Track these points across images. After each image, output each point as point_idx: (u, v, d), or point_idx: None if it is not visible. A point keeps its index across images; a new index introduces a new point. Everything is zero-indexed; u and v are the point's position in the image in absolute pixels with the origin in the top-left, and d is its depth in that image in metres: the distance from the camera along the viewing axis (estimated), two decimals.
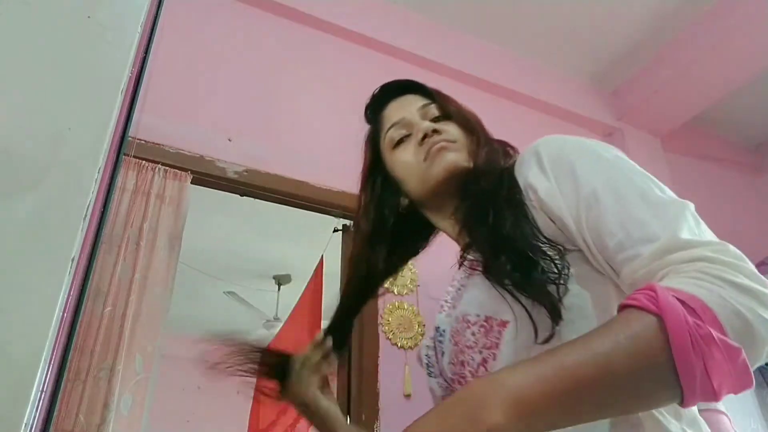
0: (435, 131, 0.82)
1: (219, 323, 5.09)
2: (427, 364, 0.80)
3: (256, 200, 2.07)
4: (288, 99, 2.26)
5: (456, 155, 0.80)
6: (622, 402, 0.49)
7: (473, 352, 0.68)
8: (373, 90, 0.96)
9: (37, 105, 0.74)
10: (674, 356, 0.47)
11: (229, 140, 2.04)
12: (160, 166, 1.83)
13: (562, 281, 0.62)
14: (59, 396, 0.84)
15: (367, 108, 0.95)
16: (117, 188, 1.59)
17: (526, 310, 0.62)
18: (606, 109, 3.19)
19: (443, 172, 0.80)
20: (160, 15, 1.06)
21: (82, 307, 0.88)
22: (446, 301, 0.79)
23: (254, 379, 0.88)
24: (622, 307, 0.52)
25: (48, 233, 0.67)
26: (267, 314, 4.54)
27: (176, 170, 1.86)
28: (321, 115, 2.28)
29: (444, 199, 0.84)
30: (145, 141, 1.84)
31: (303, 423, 2.43)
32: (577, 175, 0.66)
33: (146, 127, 1.82)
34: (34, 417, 0.62)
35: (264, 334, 4.43)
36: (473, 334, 0.68)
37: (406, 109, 0.87)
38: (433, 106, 0.87)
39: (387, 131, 0.88)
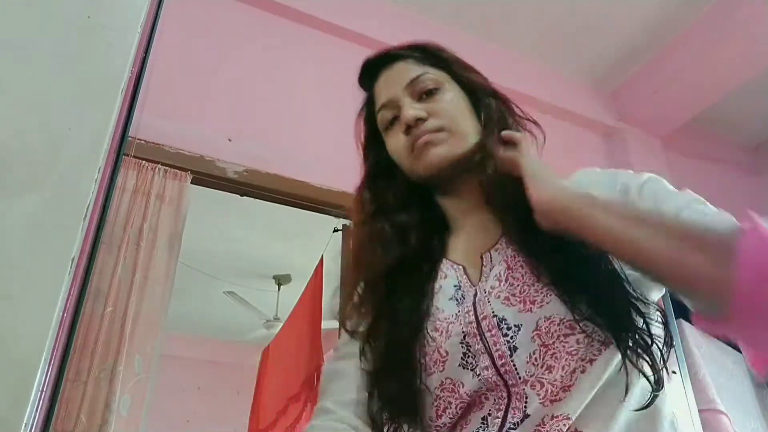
0: (419, 120, 0.75)
1: (219, 323, 5.09)
2: (464, 353, 0.67)
3: (256, 200, 2.07)
4: (288, 99, 2.26)
5: (444, 149, 0.74)
6: (665, 255, 0.52)
7: (572, 359, 0.62)
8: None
9: (37, 105, 0.74)
10: (743, 246, 0.46)
11: (229, 140, 2.04)
12: (160, 166, 1.83)
13: (667, 341, 0.62)
14: (59, 396, 0.84)
15: (360, 76, 0.89)
16: (117, 188, 1.58)
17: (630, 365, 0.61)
18: (606, 110, 3.19)
19: (431, 169, 0.75)
20: (160, 15, 1.06)
21: (82, 307, 0.88)
22: (493, 288, 0.69)
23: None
24: None
25: (48, 233, 0.67)
26: (267, 314, 4.54)
27: (176, 170, 1.86)
28: (321, 115, 2.28)
29: (453, 183, 0.79)
30: (145, 141, 1.84)
31: (302, 423, 2.43)
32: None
33: (146, 127, 1.82)
34: (34, 417, 0.62)
35: (264, 334, 4.43)
36: (578, 342, 0.62)
37: (393, 87, 0.80)
38: (425, 77, 0.78)
39: (378, 111, 0.82)
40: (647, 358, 0.61)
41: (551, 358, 0.63)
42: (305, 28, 2.48)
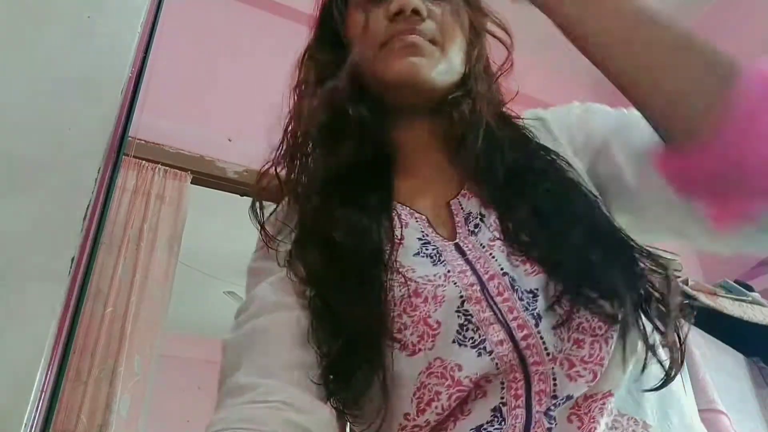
0: (416, 15, 0.59)
1: (219, 323, 5.09)
2: (461, 325, 0.49)
3: None
4: (287, 99, 2.26)
5: (427, 64, 0.59)
6: (668, 65, 0.48)
7: (598, 328, 0.48)
8: None
9: (37, 105, 0.74)
10: (745, 73, 0.45)
11: (229, 140, 2.04)
12: (160, 166, 1.83)
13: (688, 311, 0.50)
14: (59, 396, 0.84)
15: None
16: (117, 188, 1.59)
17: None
18: None
19: (401, 78, 0.59)
20: (160, 15, 1.06)
21: (82, 307, 0.89)
22: (492, 241, 0.54)
23: None
24: None
25: (48, 233, 0.67)
26: None
27: (176, 170, 1.86)
28: None
29: (414, 112, 0.64)
30: (145, 141, 1.84)
31: None
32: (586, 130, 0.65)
33: (146, 127, 1.82)
34: (34, 417, 0.62)
35: None
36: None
37: None
38: None
39: None
40: (661, 328, 0.48)
41: (577, 329, 0.48)
42: (305, 29, 2.47)
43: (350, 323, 0.51)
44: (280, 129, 0.71)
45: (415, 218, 0.58)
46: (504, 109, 0.69)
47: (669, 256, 0.68)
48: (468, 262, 0.53)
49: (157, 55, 1.11)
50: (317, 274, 0.54)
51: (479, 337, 0.48)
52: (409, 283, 0.51)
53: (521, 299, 0.49)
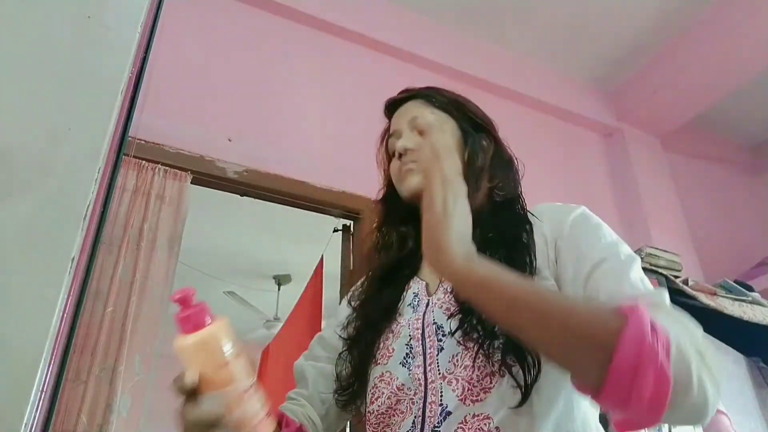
0: (406, 150, 0.88)
1: None
2: (406, 354, 0.79)
3: (256, 200, 2.07)
4: (288, 99, 2.26)
5: (416, 179, 0.85)
6: (549, 341, 0.57)
7: (488, 363, 0.71)
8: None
9: (37, 105, 0.74)
10: (621, 343, 0.51)
11: (229, 140, 2.04)
12: (160, 166, 1.83)
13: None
14: (59, 396, 0.84)
15: (385, 108, 1.02)
16: (117, 188, 1.59)
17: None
18: (606, 110, 3.19)
19: (407, 192, 0.87)
20: (160, 15, 1.06)
21: (82, 307, 0.88)
22: (439, 299, 0.82)
23: None
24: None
25: (48, 233, 0.67)
26: (267, 314, 4.54)
27: (176, 170, 1.86)
28: (321, 116, 2.28)
29: None
30: (145, 141, 1.84)
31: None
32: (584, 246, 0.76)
33: (146, 127, 1.82)
34: (34, 417, 0.62)
35: (264, 334, 4.43)
36: (495, 347, 0.71)
37: (401, 120, 0.93)
38: (422, 118, 0.91)
39: (389, 138, 0.96)
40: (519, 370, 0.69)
41: (470, 359, 0.71)
42: (305, 29, 2.48)
43: (358, 358, 0.85)
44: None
45: (418, 283, 0.87)
46: (502, 195, 0.87)
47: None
48: (423, 313, 0.81)
49: (157, 55, 1.11)
50: (354, 335, 0.88)
51: (412, 362, 0.77)
52: (396, 321, 0.84)
53: (440, 340, 0.76)
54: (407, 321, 0.82)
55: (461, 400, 0.70)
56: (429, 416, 0.71)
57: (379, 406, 0.78)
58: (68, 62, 0.77)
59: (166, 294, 1.70)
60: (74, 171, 0.71)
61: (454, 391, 0.71)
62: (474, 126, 0.92)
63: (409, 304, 0.85)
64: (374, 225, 0.99)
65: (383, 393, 0.78)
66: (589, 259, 0.71)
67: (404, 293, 0.87)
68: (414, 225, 0.90)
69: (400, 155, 0.89)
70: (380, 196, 0.99)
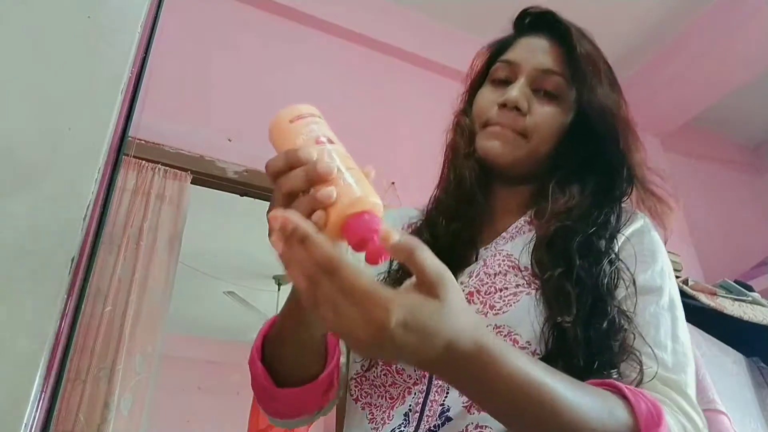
0: (516, 108, 0.73)
1: (219, 323, 5.09)
2: None
3: (256, 200, 2.07)
4: (288, 99, 2.25)
5: (505, 149, 0.74)
6: None
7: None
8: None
9: (38, 105, 0.74)
10: None
11: (229, 140, 2.04)
12: (160, 166, 1.83)
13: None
14: (59, 396, 0.84)
15: (517, 19, 0.86)
16: (117, 188, 1.59)
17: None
18: None
19: (484, 155, 0.75)
20: (160, 15, 1.06)
21: (82, 307, 0.88)
22: (461, 283, 0.72)
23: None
24: (624, 394, 0.55)
25: (48, 233, 0.67)
26: (267, 314, 4.54)
27: (176, 170, 1.86)
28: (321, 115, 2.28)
29: (506, 179, 0.79)
30: (145, 141, 1.84)
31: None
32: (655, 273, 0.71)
33: (146, 127, 1.82)
34: (34, 417, 0.62)
35: None
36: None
37: (530, 57, 0.77)
38: (555, 79, 0.76)
39: (499, 60, 0.80)
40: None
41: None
42: (305, 28, 2.48)
43: None
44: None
45: None
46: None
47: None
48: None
49: (157, 55, 1.11)
50: None
51: None
52: None
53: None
54: None
55: (466, 407, 0.62)
56: (427, 415, 0.64)
57: (367, 373, 0.70)
58: (68, 62, 0.77)
59: (166, 294, 1.70)
60: (74, 171, 0.71)
61: (461, 395, 0.62)
62: (596, 114, 0.76)
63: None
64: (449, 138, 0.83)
65: (378, 363, 0.70)
66: (636, 280, 0.67)
67: None
68: (483, 191, 0.78)
69: (503, 105, 0.74)
70: (460, 104, 0.85)
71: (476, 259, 0.75)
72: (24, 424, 0.58)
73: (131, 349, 1.57)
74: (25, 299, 0.64)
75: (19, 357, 0.61)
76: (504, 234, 0.76)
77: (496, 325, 0.65)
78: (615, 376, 0.60)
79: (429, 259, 0.42)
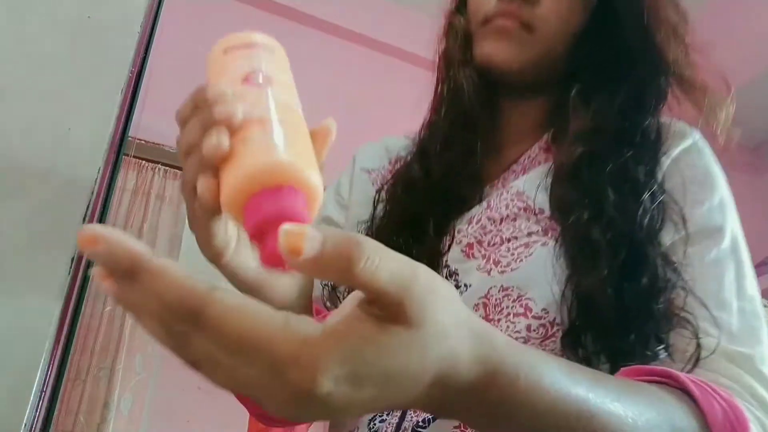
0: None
1: None
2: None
3: None
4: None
5: (512, 51, 0.57)
6: None
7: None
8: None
9: (38, 105, 0.74)
10: None
11: None
12: (160, 166, 1.83)
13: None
14: (59, 396, 0.84)
15: None
16: (117, 188, 1.59)
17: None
18: None
19: (480, 60, 0.59)
20: (160, 15, 1.06)
21: (82, 307, 0.89)
22: (460, 231, 0.57)
23: None
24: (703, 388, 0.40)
25: (48, 233, 0.67)
26: None
27: (176, 170, 1.86)
28: (320, 116, 2.28)
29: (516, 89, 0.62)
30: (145, 141, 1.84)
31: (302, 424, 2.43)
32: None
33: (146, 127, 1.82)
34: (34, 417, 0.62)
35: None
36: (530, 329, 0.50)
37: None
38: None
39: None
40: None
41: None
42: (305, 28, 2.48)
43: None
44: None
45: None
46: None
47: None
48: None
49: (157, 55, 1.11)
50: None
51: None
52: None
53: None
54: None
55: None
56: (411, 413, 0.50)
57: None
58: (68, 62, 0.77)
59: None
60: (74, 171, 0.71)
61: None
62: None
63: None
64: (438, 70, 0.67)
65: None
66: (688, 219, 0.51)
67: None
68: (489, 109, 0.61)
69: None
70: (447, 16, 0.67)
71: (481, 201, 0.58)
72: (24, 424, 0.58)
73: (131, 349, 1.57)
74: (25, 299, 0.64)
75: (19, 357, 0.61)
76: (514, 167, 0.60)
77: (502, 286, 0.51)
78: (663, 356, 0.46)
79: (382, 267, 0.24)
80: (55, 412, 0.85)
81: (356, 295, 0.25)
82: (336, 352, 0.23)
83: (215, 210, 0.32)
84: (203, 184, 0.31)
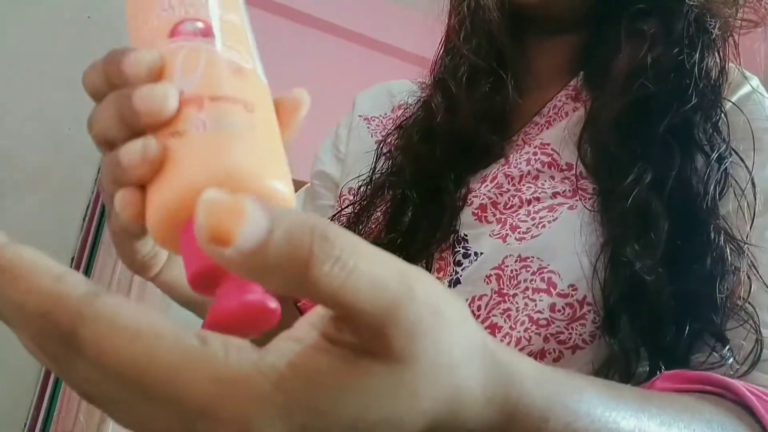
0: None
1: None
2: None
3: None
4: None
5: None
6: None
7: (533, 325, 0.41)
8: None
9: (37, 105, 0.74)
10: None
11: None
12: None
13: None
14: (59, 396, 0.84)
15: None
16: None
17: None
18: None
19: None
20: None
21: None
22: (473, 189, 0.48)
23: None
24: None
25: (48, 233, 0.67)
26: None
27: None
28: (320, 115, 2.28)
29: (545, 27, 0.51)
30: None
31: None
32: None
33: None
34: (34, 417, 0.62)
35: None
36: (554, 308, 0.41)
37: None
38: None
39: None
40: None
41: (502, 315, 0.41)
42: (305, 28, 2.48)
43: None
44: None
45: None
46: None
47: None
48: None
49: None
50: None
51: None
52: None
53: (458, 262, 0.45)
54: None
55: None
56: None
57: None
58: (68, 62, 0.77)
59: (166, 294, 1.70)
60: (74, 171, 0.71)
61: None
62: None
63: None
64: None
65: None
66: (758, 184, 0.42)
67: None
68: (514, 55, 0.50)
69: None
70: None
71: (500, 155, 0.49)
72: (24, 424, 0.58)
73: None
74: None
75: (20, 357, 0.61)
76: (536, 119, 0.50)
77: (520, 256, 0.42)
78: (722, 351, 0.38)
79: (358, 274, 0.16)
80: (55, 412, 0.85)
81: (318, 314, 0.18)
82: (281, 398, 0.15)
83: (139, 231, 0.26)
84: (123, 200, 0.21)
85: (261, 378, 0.15)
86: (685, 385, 0.35)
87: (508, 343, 0.40)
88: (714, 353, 0.38)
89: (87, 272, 0.85)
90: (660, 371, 0.37)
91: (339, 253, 0.15)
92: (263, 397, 0.15)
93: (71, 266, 0.67)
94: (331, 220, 0.50)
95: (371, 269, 0.16)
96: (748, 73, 0.49)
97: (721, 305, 0.38)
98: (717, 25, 0.46)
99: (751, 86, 0.47)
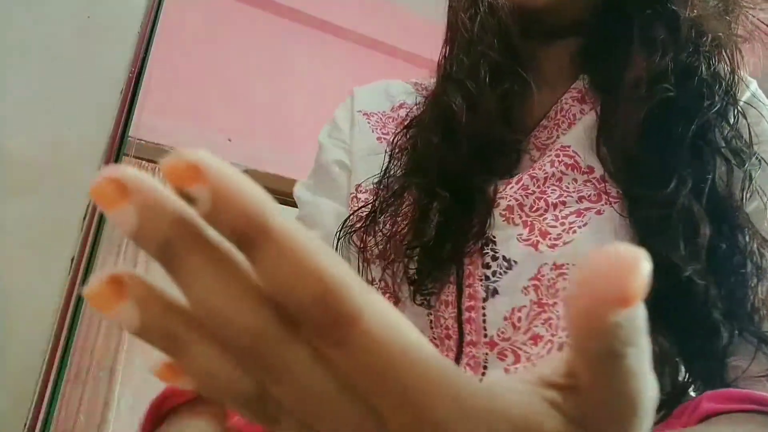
0: None
1: None
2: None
3: None
4: (288, 99, 2.26)
5: None
6: None
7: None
8: None
9: (37, 105, 0.74)
10: None
11: (229, 140, 2.04)
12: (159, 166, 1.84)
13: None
14: (59, 396, 0.84)
15: None
16: None
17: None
18: None
19: (506, 2, 0.48)
20: (160, 15, 1.06)
21: (82, 306, 0.89)
22: (500, 190, 0.48)
23: None
24: None
25: (48, 233, 0.67)
26: None
27: None
28: (321, 116, 2.28)
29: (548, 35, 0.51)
30: (145, 141, 1.85)
31: None
32: None
33: (146, 127, 1.82)
34: (34, 417, 0.62)
35: None
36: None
37: None
38: None
39: None
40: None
41: (543, 324, 0.40)
42: (305, 28, 2.48)
43: None
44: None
45: None
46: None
47: None
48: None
49: (157, 55, 1.12)
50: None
51: (435, 288, 0.44)
52: None
53: (487, 266, 0.43)
54: None
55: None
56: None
57: None
58: (68, 62, 0.77)
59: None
60: (74, 171, 0.71)
61: (506, 370, 0.43)
62: None
63: None
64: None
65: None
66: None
67: None
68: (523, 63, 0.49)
69: None
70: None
71: (518, 159, 0.48)
72: (24, 424, 0.58)
73: (131, 350, 1.57)
74: (26, 299, 0.64)
75: (20, 357, 0.61)
76: (544, 122, 0.50)
77: (555, 263, 0.41)
78: (765, 350, 0.39)
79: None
80: (55, 412, 0.85)
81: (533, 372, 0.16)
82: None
83: None
84: None
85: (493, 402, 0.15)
86: (731, 405, 0.35)
87: (550, 350, 0.40)
88: (762, 352, 0.38)
89: (87, 272, 0.85)
90: (697, 381, 0.38)
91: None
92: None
93: (71, 266, 0.67)
94: (350, 216, 0.50)
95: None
96: (745, 76, 0.50)
97: (759, 308, 0.39)
98: (709, 40, 0.47)
99: (752, 89, 0.49)
